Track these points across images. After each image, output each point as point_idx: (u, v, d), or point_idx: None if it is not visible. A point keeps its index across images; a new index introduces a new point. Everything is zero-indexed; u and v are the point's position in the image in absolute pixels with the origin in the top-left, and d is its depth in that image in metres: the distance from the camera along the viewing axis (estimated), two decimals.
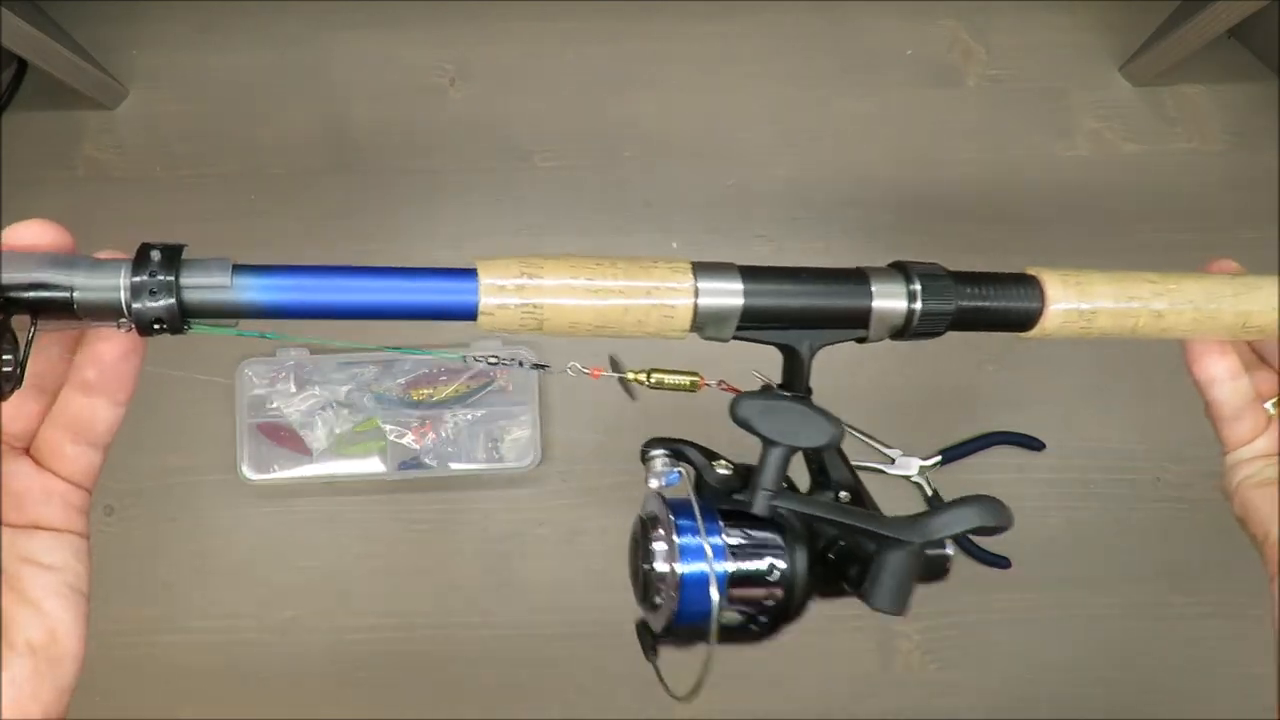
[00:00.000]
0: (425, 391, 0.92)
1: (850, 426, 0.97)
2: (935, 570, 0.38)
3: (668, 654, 0.38)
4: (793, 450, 0.35)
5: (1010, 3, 1.05)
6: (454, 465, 0.91)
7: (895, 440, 0.90)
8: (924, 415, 0.95)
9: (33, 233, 0.30)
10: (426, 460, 0.91)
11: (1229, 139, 1.01)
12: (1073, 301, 0.38)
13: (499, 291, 0.32)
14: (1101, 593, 0.92)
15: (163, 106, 1.01)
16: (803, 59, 1.04)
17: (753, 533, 0.37)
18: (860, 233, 0.98)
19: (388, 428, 0.91)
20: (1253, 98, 1.03)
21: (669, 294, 0.33)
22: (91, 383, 0.33)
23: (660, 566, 0.36)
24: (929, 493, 0.90)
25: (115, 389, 0.33)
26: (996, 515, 0.35)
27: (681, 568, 0.35)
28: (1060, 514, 0.93)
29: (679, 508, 0.37)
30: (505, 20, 1.04)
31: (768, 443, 0.35)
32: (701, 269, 0.34)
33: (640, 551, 0.37)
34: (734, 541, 0.36)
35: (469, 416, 0.92)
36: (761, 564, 0.36)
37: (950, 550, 0.38)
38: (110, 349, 0.32)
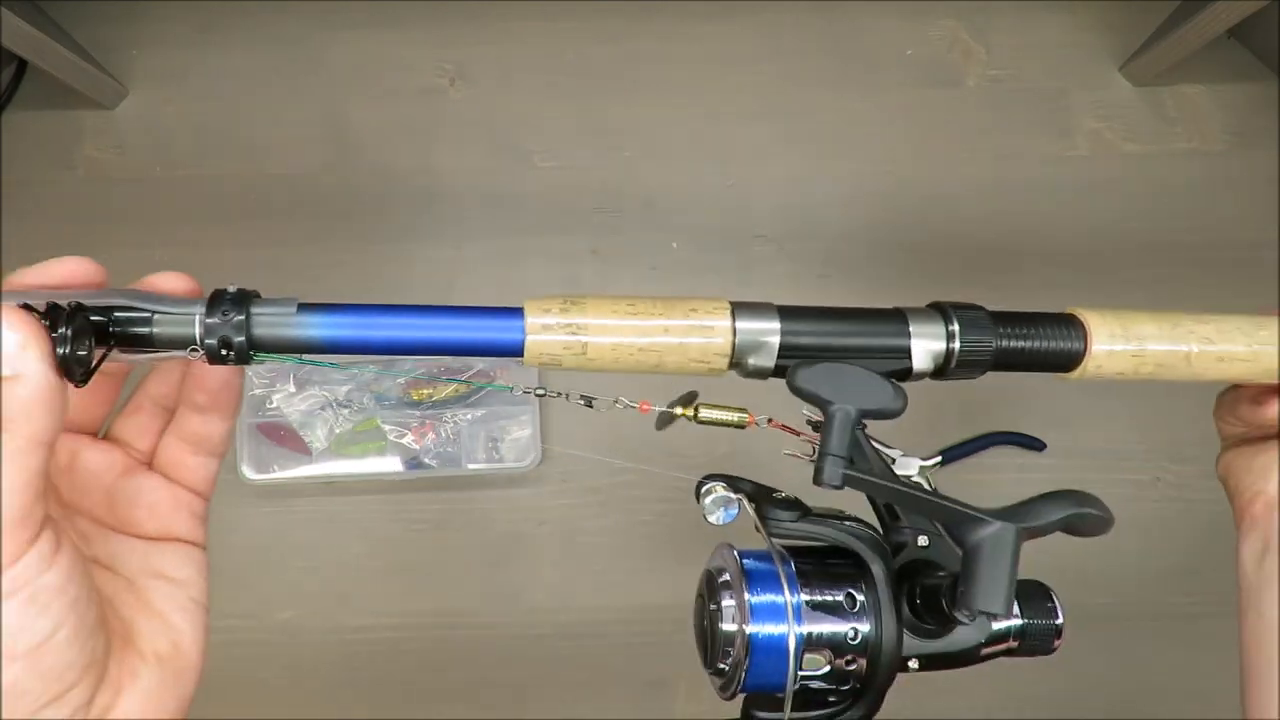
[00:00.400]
0: (425, 391, 0.92)
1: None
2: (1043, 640, 0.36)
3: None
4: (860, 415, 0.33)
5: (1010, 3, 1.05)
6: (454, 465, 0.91)
7: (895, 440, 0.89)
8: (924, 415, 0.95)
9: (67, 269, 0.32)
10: (426, 460, 0.91)
11: (1229, 139, 1.01)
12: (1117, 342, 0.37)
13: (544, 330, 0.34)
14: (1102, 593, 0.92)
15: (163, 106, 1.01)
16: (802, 59, 1.04)
17: (829, 586, 0.34)
18: (860, 233, 0.98)
19: (388, 428, 0.91)
20: (1253, 98, 1.03)
21: (707, 331, 0.34)
22: (203, 405, 0.36)
23: (728, 626, 0.34)
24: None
25: (224, 406, 0.36)
26: (1095, 506, 0.33)
27: (751, 628, 0.33)
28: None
29: (751, 557, 0.34)
30: (505, 20, 1.04)
31: (827, 405, 0.33)
32: (740, 308, 0.35)
33: (705, 609, 0.35)
34: (810, 598, 0.34)
35: (469, 416, 0.92)
36: (841, 625, 0.34)
37: (1060, 620, 0.36)
38: (215, 376, 0.35)
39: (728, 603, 0.34)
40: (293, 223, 0.98)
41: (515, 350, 0.34)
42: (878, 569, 0.34)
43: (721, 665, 0.34)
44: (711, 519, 0.35)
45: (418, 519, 0.93)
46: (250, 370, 0.91)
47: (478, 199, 0.99)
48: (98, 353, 0.31)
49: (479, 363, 0.93)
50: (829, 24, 1.04)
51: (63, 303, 0.30)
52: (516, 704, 0.90)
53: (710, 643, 0.35)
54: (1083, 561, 0.92)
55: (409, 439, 0.91)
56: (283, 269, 0.96)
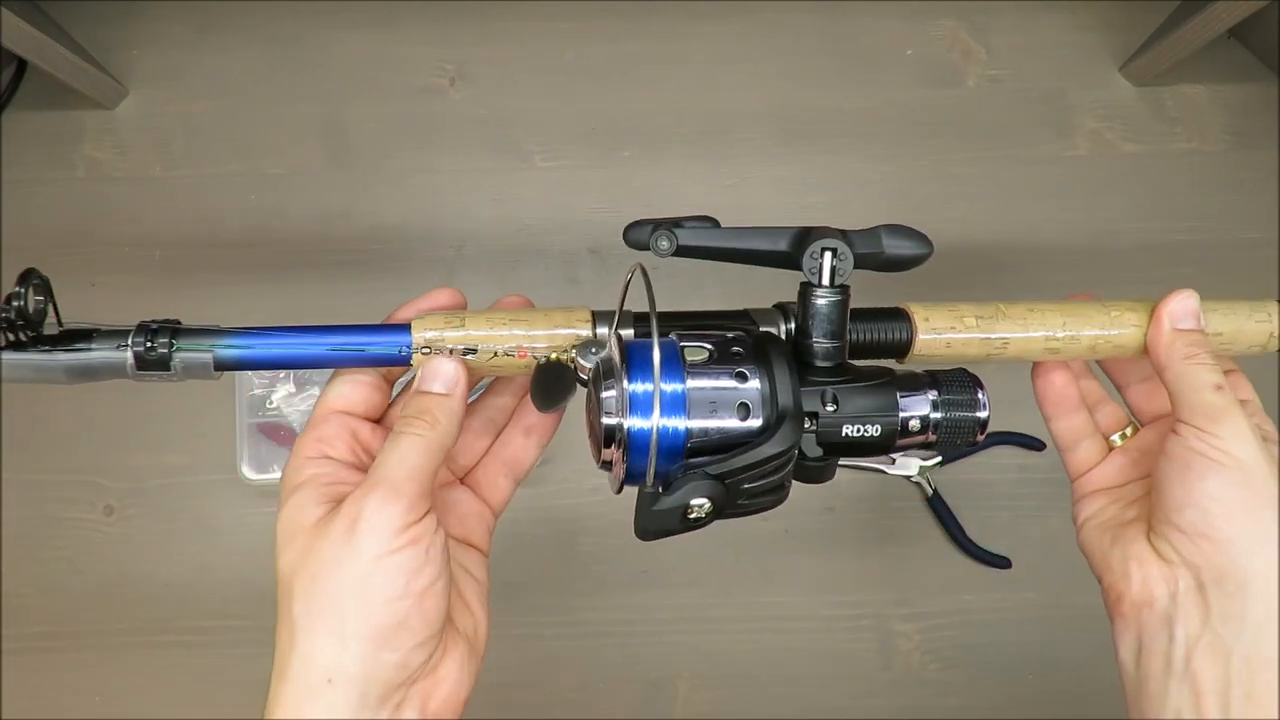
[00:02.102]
0: None
1: None
2: (964, 431, 0.40)
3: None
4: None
5: (1010, 3, 1.05)
6: None
7: None
8: None
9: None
10: None
11: (1229, 139, 1.01)
12: (942, 332, 0.42)
13: (427, 344, 0.39)
14: (1100, 593, 0.91)
15: (163, 106, 1.01)
16: (803, 59, 1.04)
17: (720, 368, 0.35)
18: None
19: None
20: (1253, 98, 1.03)
21: (573, 339, 0.40)
22: (532, 426, 0.45)
23: (608, 420, 0.35)
24: (929, 492, 0.90)
25: (544, 432, 0.45)
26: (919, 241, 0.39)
27: (632, 422, 0.34)
28: (1060, 514, 0.93)
29: (635, 350, 0.35)
30: (505, 20, 1.04)
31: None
32: (601, 317, 0.40)
33: (590, 400, 0.38)
34: (699, 384, 0.35)
35: None
36: (731, 405, 0.35)
37: (985, 413, 0.40)
38: None
39: (607, 394, 0.35)
40: (292, 223, 0.98)
41: (405, 361, 0.40)
42: (776, 349, 0.36)
43: (607, 459, 0.36)
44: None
45: None
46: (250, 370, 0.91)
47: (478, 199, 0.99)
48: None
49: None
50: (829, 24, 1.04)
51: None
52: (516, 704, 0.90)
53: (596, 436, 0.37)
54: (1084, 561, 0.92)
55: None
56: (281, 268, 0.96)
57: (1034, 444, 0.93)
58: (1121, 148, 1.01)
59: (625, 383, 0.34)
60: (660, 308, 0.36)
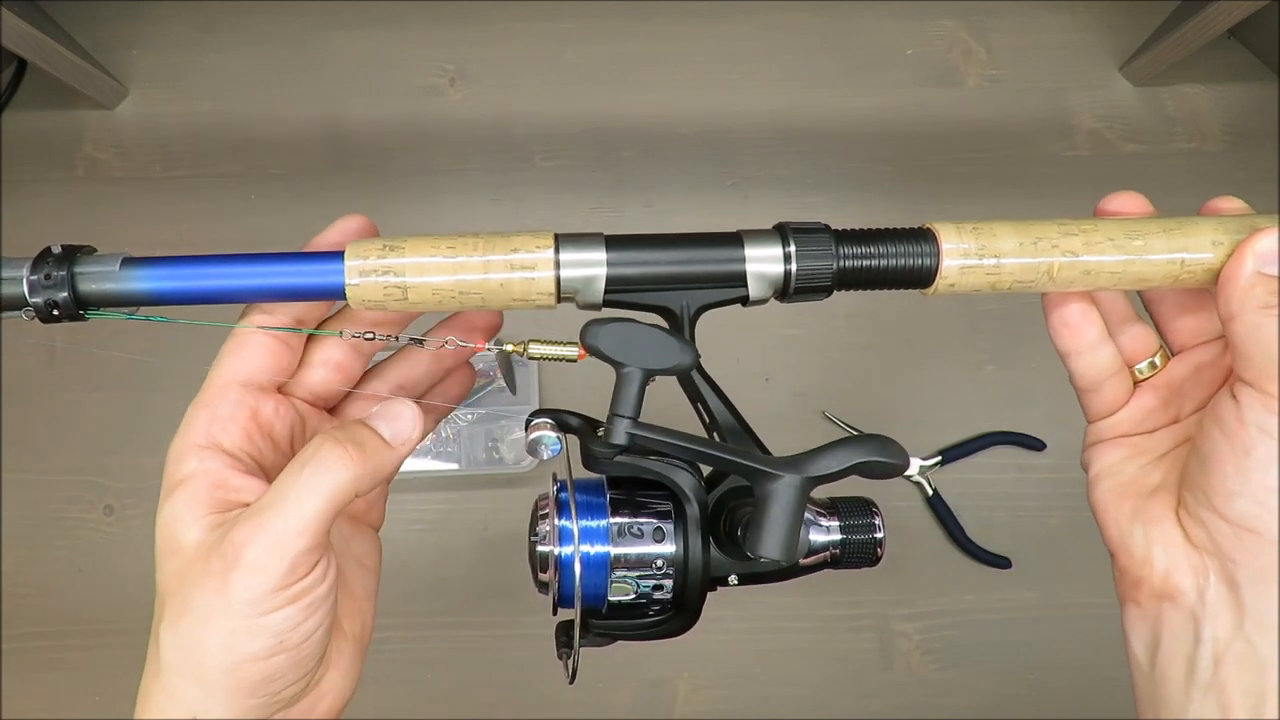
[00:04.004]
0: None
1: (850, 427, 0.97)
2: (863, 554, 0.38)
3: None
4: (646, 374, 0.33)
5: (1010, 3, 1.05)
6: (453, 465, 0.91)
7: (895, 439, 0.90)
8: (924, 415, 0.95)
9: None
10: (426, 460, 0.91)
11: (1229, 139, 1.01)
12: (971, 257, 0.35)
13: (361, 271, 0.34)
14: (1102, 593, 0.91)
15: (163, 106, 1.01)
16: (803, 59, 1.04)
17: (642, 512, 0.37)
18: None
19: None
20: (1253, 98, 1.03)
21: (530, 264, 0.34)
22: (438, 394, 0.41)
23: (543, 548, 0.37)
24: (929, 492, 0.90)
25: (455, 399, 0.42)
26: (886, 452, 0.33)
27: (561, 550, 0.37)
28: (1060, 514, 0.93)
29: (567, 488, 0.38)
30: (505, 20, 1.04)
31: (618, 367, 0.33)
32: (565, 239, 0.35)
33: (531, 530, 0.39)
34: (621, 521, 0.37)
35: (469, 416, 0.92)
36: (649, 545, 0.37)
37: (880, 534, 0.38)
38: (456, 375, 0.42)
39: (543, 528, 0.37)
40: (292, 222, 0.98)
41: (338, 294, 0.34)
42: (689, 507, 0.36)
43: (543, 580, 0.38)
44: (537, 455, 0.37)
45: (417, 519, 0.93)
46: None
47: (478, 199, 0.99)
48: None
49: (479, 362, 0.93)
50: (829, 24, 1.04)
51: None
52: (516, 704, 0.90)
53: (533, 564, 0.38)
54: (1084, 560, 0.92)
55: None
56: None
57: (1034, 444, 0.93)
58: (1121, 148, 1.01)
59: (557, 520, 0.37)
60: (643, 229, 0.36)
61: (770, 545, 0.32)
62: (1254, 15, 0.88)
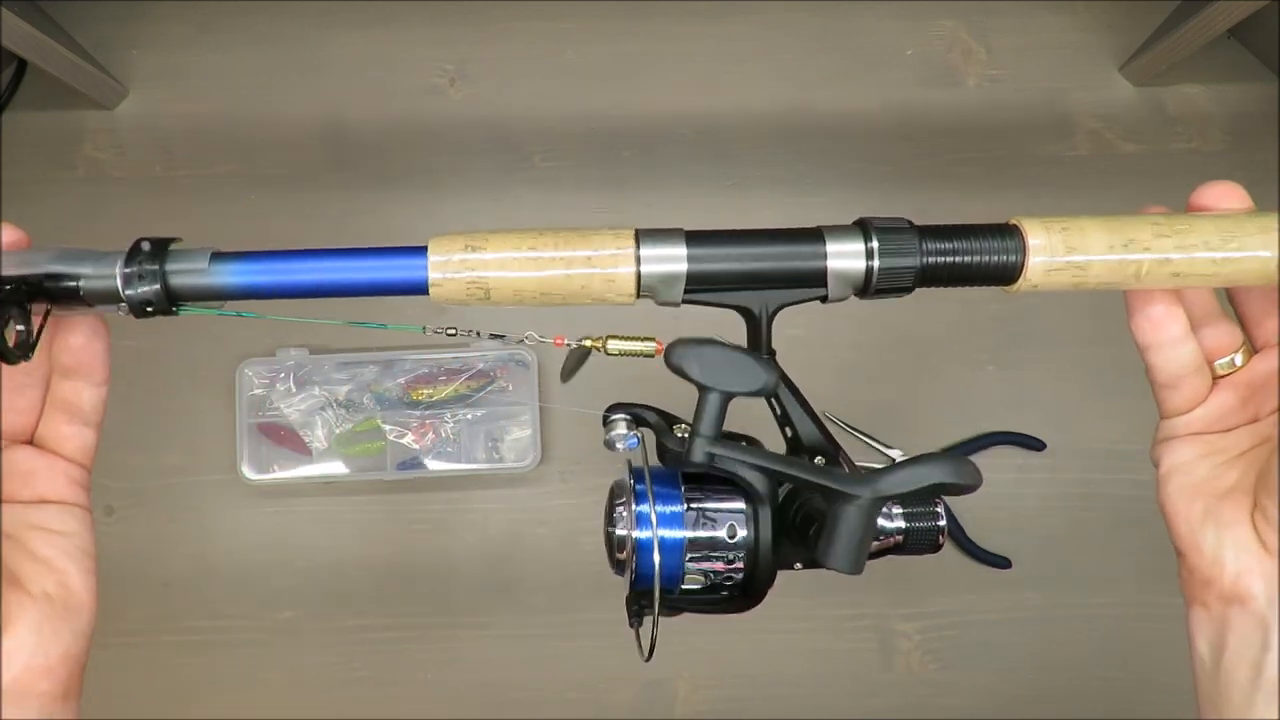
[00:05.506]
0: (425, 391, 0.92)
1: (851, 427, 0.97)
2: (926, 541, 0.39)
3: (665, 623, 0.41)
4: (727, 396, 0.34)
5: (1010, 3, 1.05)
6: (454, 465, 0.91)
7: (895, 440, 0.90)
8: (924, 415, 0.95)
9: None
10: (426, 460, 0.91)
11: (1229, 139, 1.01)
12: (1058, 252, 0.34)
13: (445, 266, 0.34)
14: (1101, 593, 0.92)
15: (163, 106, 1.01)
16: (803, 59, 1.04)
17: (715, 500, 0.38)
18: None
19: (388, 428, 0.91)
20: (1253, 98, 1.03)
21: (611, 261, 0.34)
22: (69, 367, 0.37)
23: (620, 532, 0.38)
24: None
25: (90, 370, 0.37)
26: (959, 473, 0.33)
27: (638, 534, 0.38)
28: (1060, 514, 0.93)
29: (641, 475, 0.38)
30: (505, 20, 1.04)
31: (702, 389, 0.34)
32: (645, 235, 0.35)
33: (607, 517, 0.40)
34: (695, 508, 0.38)
35: (469, 416, 0.92)
36: (721, 531, 0.38)
37: (943, 522, 0.39)
38: (75, 336, 0.36)
39: (620, 514, 0.39)
40: (292, 222, 0.98)
41: (420, 288, 0.34)
42: (760, 499, 0.37)
43: (620, 560, 0.39)
44: (616, 449, 0.38)
45: (418, 519, 0.93)
46: (250, 370, 0.91)
47: (478, 199, 0.99)
48: (36, 320, 0.33)
49: (479, 362, 0.93)
50: (829, 24, 1.04)
51: None
52: (516, 704, 0.90)
53: (610, 546, 0.40)
54: (1085, 561, 0.92)
55: (409, 439, 0.91)
56: None
57: (1034, 444, 0.93)
58: (1121, 148, 1.01)
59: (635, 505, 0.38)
60: (720, 224, 0.36)
61: (840, 559, 0.33)
62: (1254, 15, 0.88)
